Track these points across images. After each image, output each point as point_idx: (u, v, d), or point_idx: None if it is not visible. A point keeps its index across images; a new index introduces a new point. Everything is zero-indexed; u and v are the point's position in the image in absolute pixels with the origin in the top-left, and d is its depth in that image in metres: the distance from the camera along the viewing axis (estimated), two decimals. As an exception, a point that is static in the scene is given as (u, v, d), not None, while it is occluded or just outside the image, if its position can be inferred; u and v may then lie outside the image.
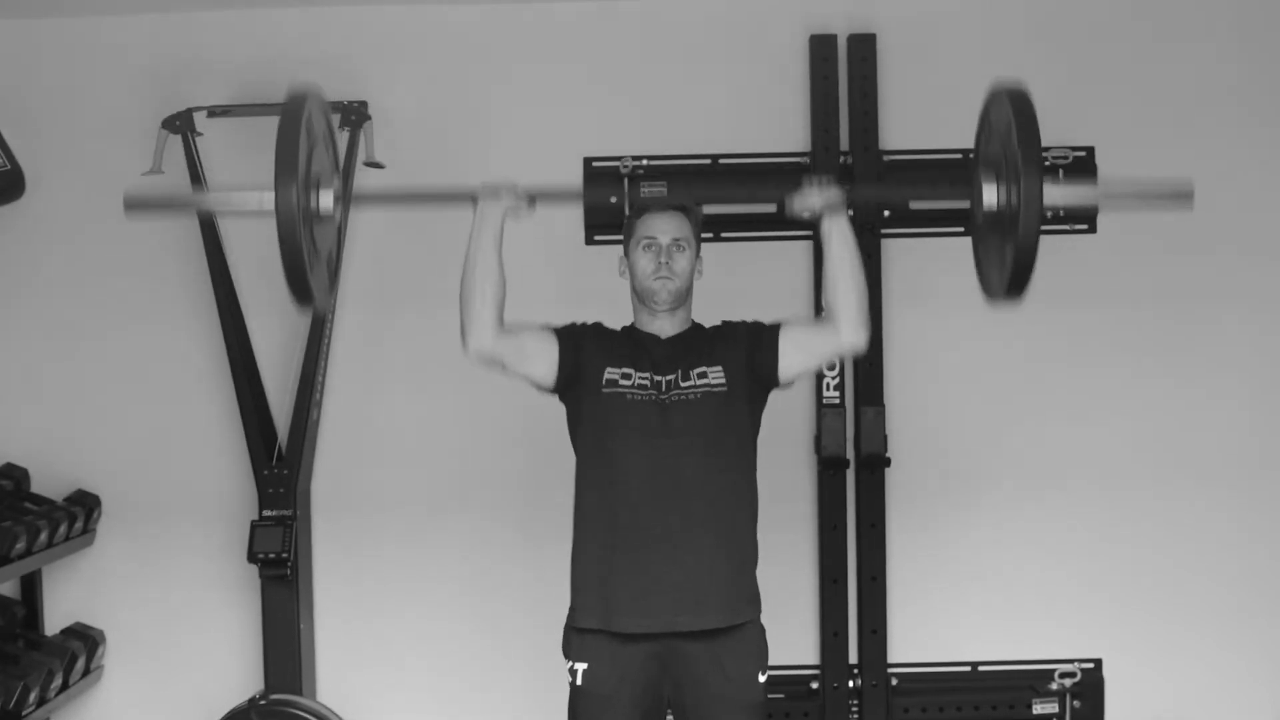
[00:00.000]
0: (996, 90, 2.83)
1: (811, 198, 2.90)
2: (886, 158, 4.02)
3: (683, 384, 2.89)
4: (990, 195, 2.83)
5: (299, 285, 2.73)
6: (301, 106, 2.74)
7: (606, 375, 2.90)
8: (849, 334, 2.88)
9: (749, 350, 2.94)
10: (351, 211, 3.96)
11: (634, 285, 2.96)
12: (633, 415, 2.87)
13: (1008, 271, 2.75)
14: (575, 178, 4.02)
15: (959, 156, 4.02)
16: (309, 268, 2.73)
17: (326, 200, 2.84)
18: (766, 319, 2.99)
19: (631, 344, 2.96)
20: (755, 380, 2.94)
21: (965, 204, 4.05)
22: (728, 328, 3.01)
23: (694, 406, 2.87)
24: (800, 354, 2.92)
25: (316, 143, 2.84)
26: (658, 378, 2.90)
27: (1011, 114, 2.70)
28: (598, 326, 3.02)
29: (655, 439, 2.85)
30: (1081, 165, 4.01)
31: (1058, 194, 2.79)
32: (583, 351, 2.93)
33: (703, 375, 2.90)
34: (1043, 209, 2.65)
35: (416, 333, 4.08)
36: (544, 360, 2.92)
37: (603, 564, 2.86)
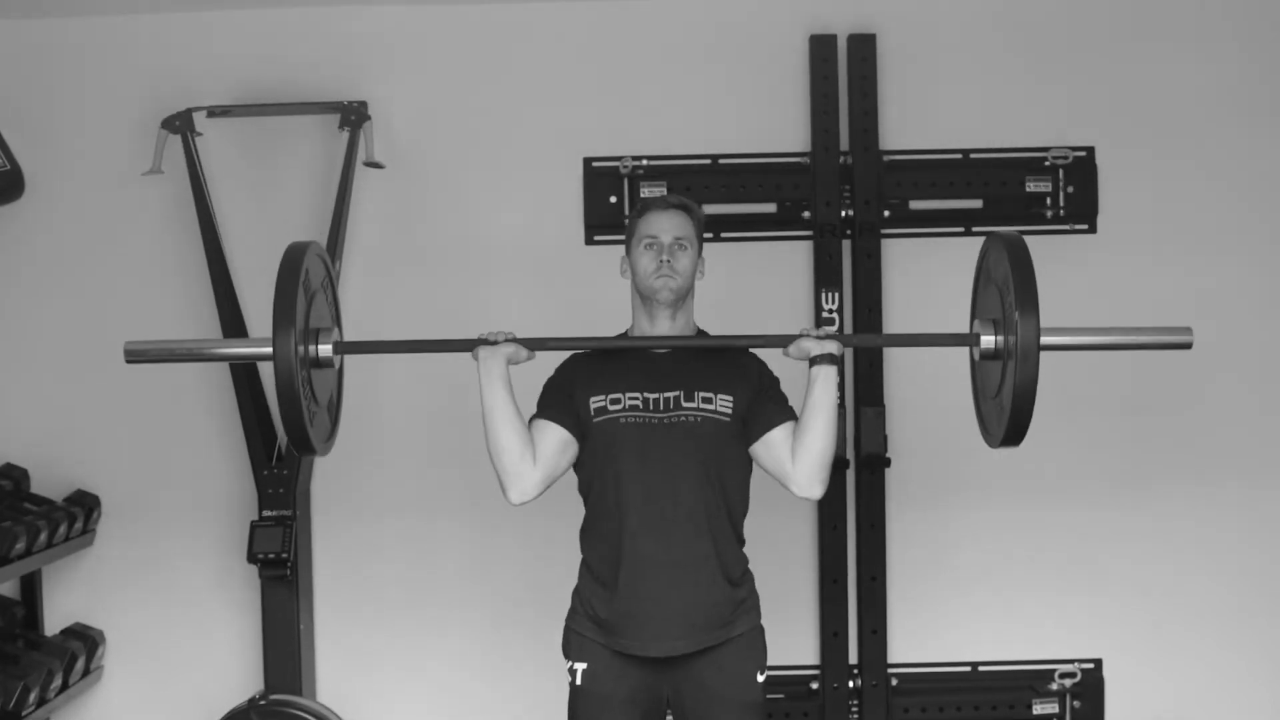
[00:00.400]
0: (994, 239, 2.86)
1: (808, 344, 2.86)
2: (886, 158, 4.02)
3: (685, 404, 2.86)
4: (989, 340, 2.86)
5: (298, 436, 2.79)
6: (300, 259, 2.78)
7: (593, 405, 2.87)
8: (805, 486, 2.83)
9: (757, 402, 2.89)
10: (352, 205, 3.97)
11: (635, 284, 2.94)
12: (626, 441, 2.84)
13: (1005, 421, 2.79)
14: (575, 171, 4.03)
15: (959, 157, 4.03)
16: (309, 420, 2.80)
17: (326, 349, 2.89)
18: (788, 382, 2.94)
19: (616, 363, 2.92)
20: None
21: (965, 204, 4.09)
22: (751, 363, 2.95)
23: (693, 430, 2.84)
24: (767, 457, 2.87)
25: (315, 293, 2.89)
26: (650, 395, 2.86)
27: (1009, 266, 2.73)
28: (572, 361, 2.97)
29: (651, 463, 2.83)
30: (1081, 165, 4.01)
31: (1055, 340, 2.79)
32: (574, 399, 2.89)
33: (709, 400, 2.86)
34: (1038, 363, 2.69)
35: (417, 333, 4.06)
36: (568, 449, 2.88)
37: (603, 591, 2.86)
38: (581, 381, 2.91)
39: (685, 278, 2.90)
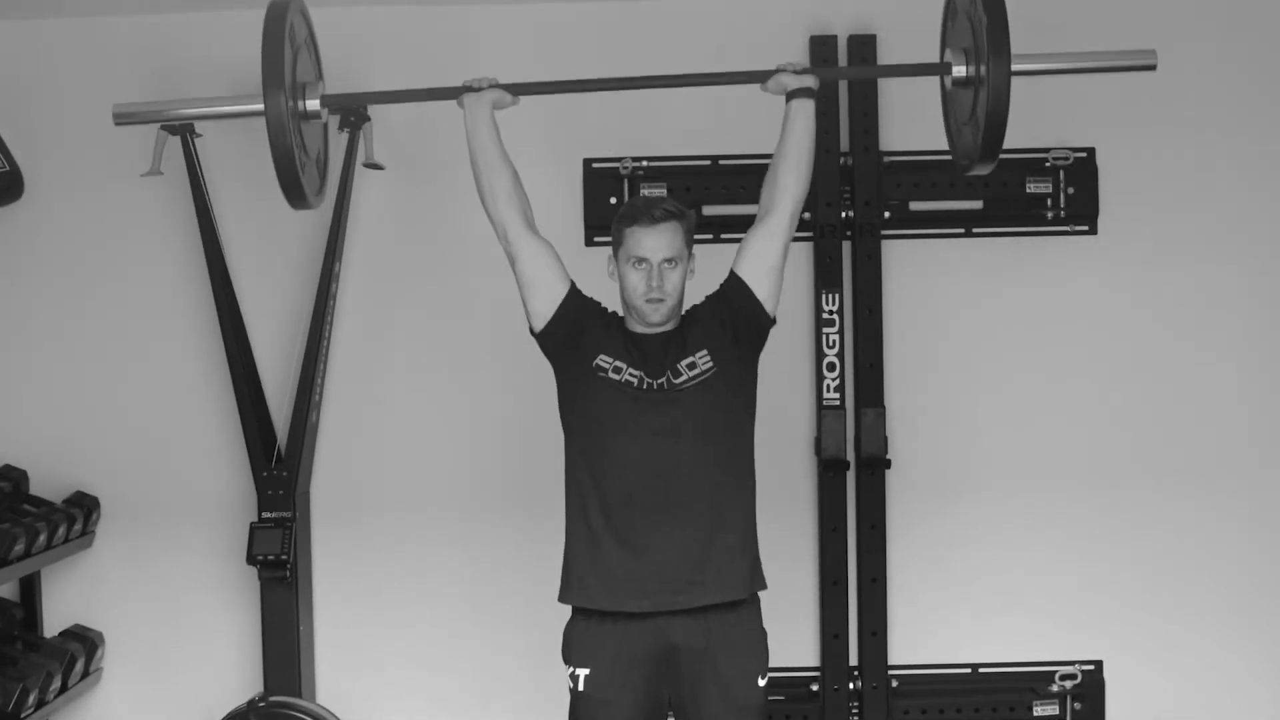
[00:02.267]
0: None
1: (786, 79, 2.98)
2: (886, 159, 4.02)
3: (675, 381, 2.88)
4: (960, 70, 3.01)
5: (291, 186, 2.93)
6: (284, 14, 2.88)
7: (599, 360, 2.89)
8: (794, 193, 2.93)
9: (730, 315, 2.92)
10: (352, 206, 3.97)
11: (623, 297, 2.95)
12: (623, 407, 2.86)
13: (980, 140, 2.90)
14: (575, 173, 4.04)
15: (951, 153, 4.01)
16: (300, 168, 2.93)
17: (313, 102, 3.02)
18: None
19: (623, 340, 2.94)
20: (749, 338, 2.94)
21: (965, 205, 4.09)
22: (698, 311, 2.99)
23: (686, 397, 2.86)
24: (765, 262, 2.93)
25: (300, 49, 3.00)
26: (648, 379, 2.88)
27: None
28: (601, 310, 3.00)
29: (647, 433, 2.84)
30: (1082, 166, 4.01)
31: (1025, 67, 2.92)
32: (585, 323, 2.93)
33: (692, 366, 2.88)
34: (1009, 83, 2.82)
35: (417, 335, 4.08)
36: (546, 295, 2.94)
37: (596, 544, 2.85)
38: (595, 331, 2.93)
39: (675, 296, 2.92)
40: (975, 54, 2.94)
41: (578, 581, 2.89)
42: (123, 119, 3.07)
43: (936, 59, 4.04)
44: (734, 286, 2.95)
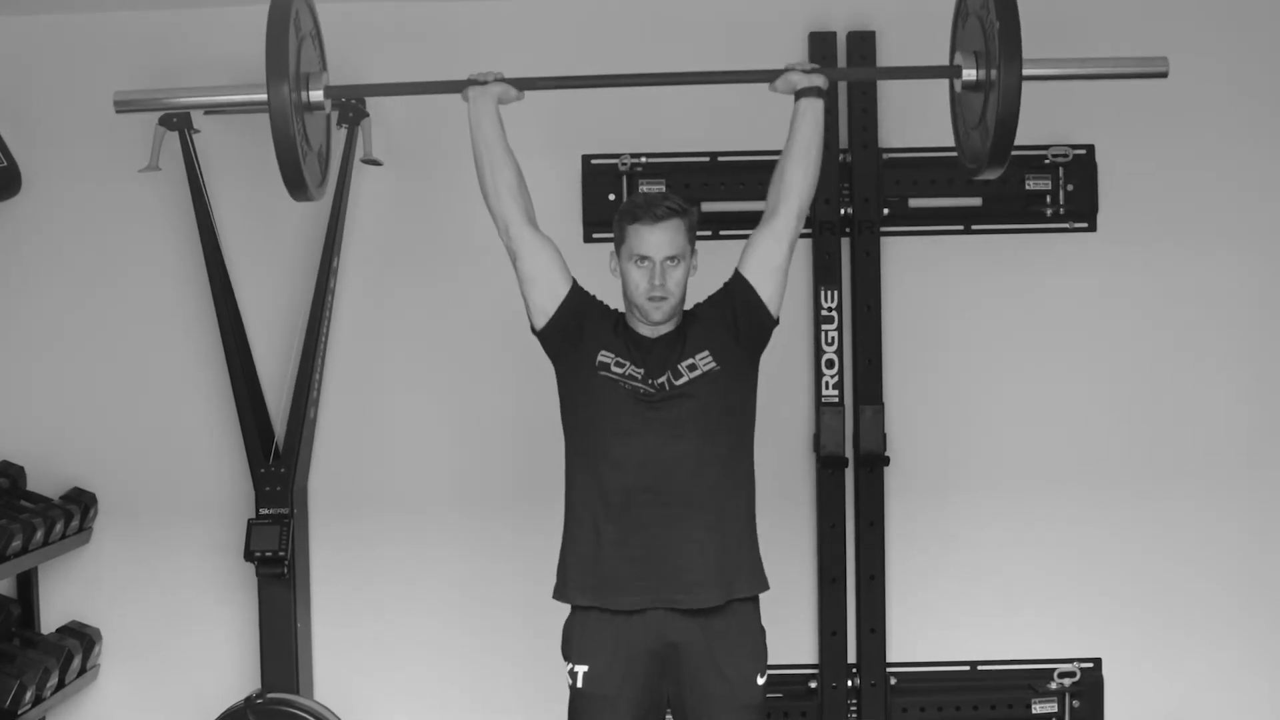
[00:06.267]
0: None
1: (795, 77, 2.97)
2: (885, 155, 4.02)
3: (676, 382, 2.87)
4: (970, 73, 2.97)
5: (293, 176, 2.90)
6: (289, 4, 2.87)
7: (600, 358, 2.88)
8: (801, 193, 2.92)
9: (734, 314, 2.92)
10: (350, 203, 3.97)
11: (626, 294, 2.94)
12: (625, 406, 2.85)
13: (989, 144, 2.88)
14: (574, 169, 4.04)
15: (957, 154, 4.00)
16: (302, 158, 2.90)
17: (316, 94, 3.00)
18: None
19: (624, 339, 2.93)
20: (751, 338, 2.93)
21: (964, 202, 4.08)
22: (700, 310, 2.99)
23: (687, 397, 2.85)
24: (770, 262, 2.92)
25: (305, 39, 2.98)
26: (650, 378, 2.87)
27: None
28: (602, 307, 3.00)
29: (648, 431, 2.83)
30: (1082, 164, 4.00)
31: (1036, 72, 2.91)
32: (586, 320, 2.92)
33: (693, 367, 2.88)
34: (1020, 90, 2.79)
35: (415, 332, 4.08)
36: (547, 292, 2.92)
37: (595, 542, 2.85)
38: (596, 327, 2.93)
39: (677, 294, 2.91)
40: (986, 58, 2.93)
41: (575, 580, 2.89)
42: (124, 107, 3.05)
43: (936, 57, 4.05)
44: (739, 286, 2.94)
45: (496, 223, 2.99)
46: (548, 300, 2.93)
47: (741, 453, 2.93)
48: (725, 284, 2.98)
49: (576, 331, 2.92)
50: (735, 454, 2.91)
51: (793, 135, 2.95)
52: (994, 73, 2.85)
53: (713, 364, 2.88)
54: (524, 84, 3.01)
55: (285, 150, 2.85)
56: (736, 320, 2.92)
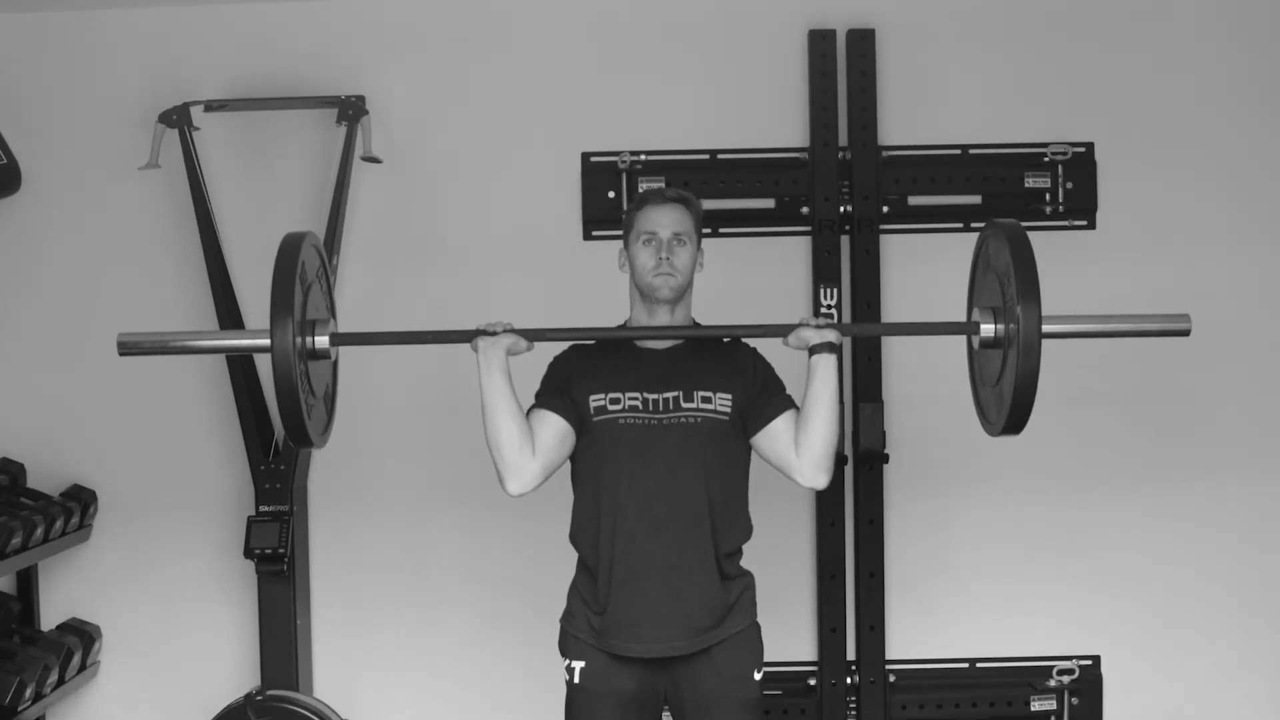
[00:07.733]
0: (994, 228, 2.85)
1: (807, 334, 2.86)
2: (885, 153, 4.02)
3: (685, 404, 2.85)
4: (989, 329, 2.86)
5: (296, 429, 2.77)
6: (297, 250, 2.76)
7: (593, 404, 2.86)
8: (810, 476, 2.84)
9: (755, 395, 2.89)
10: (349, 205, 3.97)
11: (634, 279, 2.93)
12: (625, 442, 2.83)
13: (1006, 410, 2.79)
14: (573, 166, 4.02)
15: (957, 152, 4.02)
16: (306, 411, 2.77)
17: (323, 341, 2.87)
18: (787, 373, 2.95)
19: (617, 360, 2.91)
20: (745, 421, 2.91)
21: (964, 200, 4.08)
22: (746, 357, 2.95)
23: (692, 431, 2.83)
24: (770, 448, 2.88)
25: (311, 284, 2.88)
26: (649, 395, 2.85)
27: (1010, 255, 2.73)
28: (575, 351, 2.97)
29: (650, 465, 2.82)
30: (1080, 161, 4.01)
31: (1056, 329, 2.82)
32: (573, 393, 2.88)
33: (708, 400, 2.85)
34: (1040, 352, 2.70)
35: (415, 328, 4.07)
36: (567, 440, 2.87)
37: (599, 593, 2.85)
38: (581, 377, 2.90)
39: (684, 274, 2.89)
40: (1005, 314, 2.81)
41: (578, 626, 2.90)
42: (128, 349, 2.91)
43: (935, 55, 4.07)
44: (771, 404, 2.89)
45: (504, 479, 2.86)
46: (571, 441, 2.88)
47: (741, 497, 2.93)
48: (775, 374, 2.95)
49: (577, 405, 2.88)
50: (737, 498, 2.91)
51: (807, 391, 2.85)
52: (1012, 326, 2.73)
53: (728, 412, 2.86)
54: (534, 335, 2.87)
55: (288, 399, 2.72)
56: (751, 402, 2.89)
